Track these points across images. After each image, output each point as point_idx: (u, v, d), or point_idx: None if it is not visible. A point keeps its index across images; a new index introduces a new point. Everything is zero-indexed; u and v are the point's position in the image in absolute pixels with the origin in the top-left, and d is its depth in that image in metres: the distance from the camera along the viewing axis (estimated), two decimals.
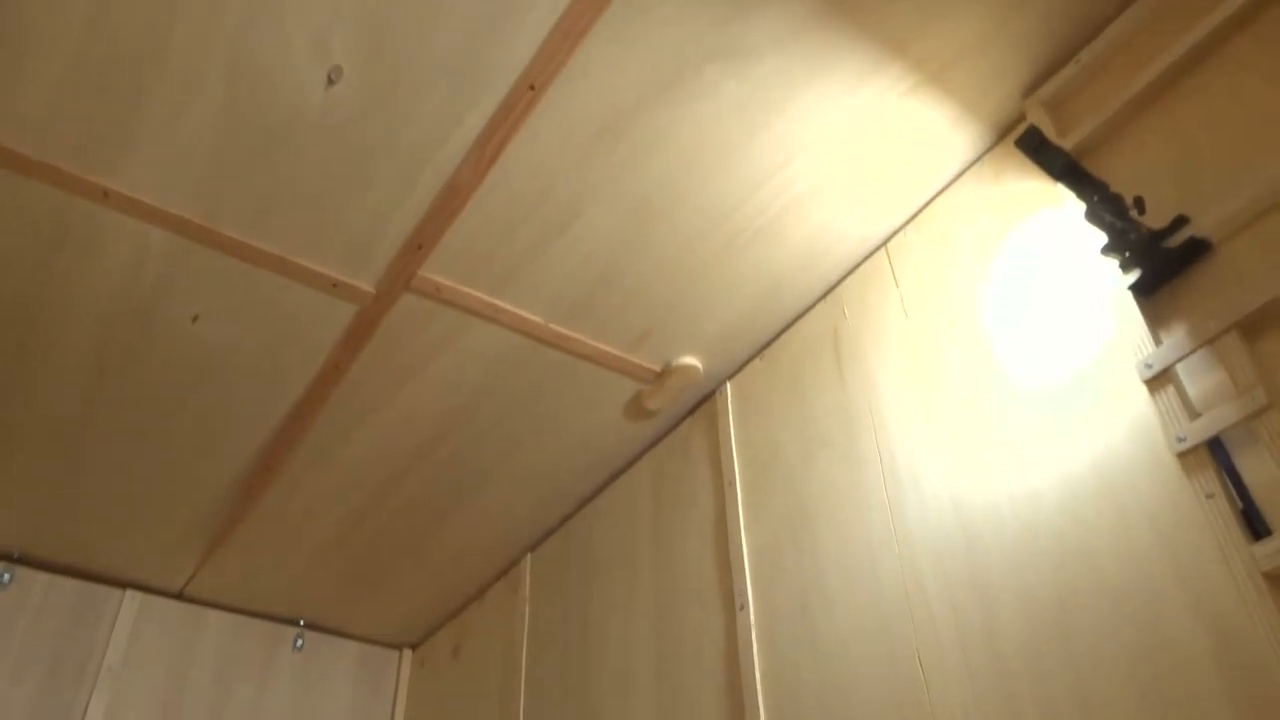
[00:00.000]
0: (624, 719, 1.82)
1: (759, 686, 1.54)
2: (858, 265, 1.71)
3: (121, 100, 1.42)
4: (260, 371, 1.87)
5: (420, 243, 1.63)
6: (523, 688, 2.16)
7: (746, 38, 1.37)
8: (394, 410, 1.96)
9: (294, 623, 2.62)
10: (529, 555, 2.37)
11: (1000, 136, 1.51)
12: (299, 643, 2.60)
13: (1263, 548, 1.01)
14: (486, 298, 1.74)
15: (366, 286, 1.72)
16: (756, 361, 1.88)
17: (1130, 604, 1.11)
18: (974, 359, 1.42)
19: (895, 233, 1.65)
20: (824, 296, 1.76)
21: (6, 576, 2.29)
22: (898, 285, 1.61)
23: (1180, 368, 1.15)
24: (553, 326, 1.80)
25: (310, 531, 2.31)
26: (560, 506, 2.25)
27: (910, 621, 1.35)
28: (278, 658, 2.56)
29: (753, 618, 1.61)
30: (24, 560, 2.33)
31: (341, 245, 1.64)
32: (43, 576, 2.33)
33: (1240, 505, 1.06)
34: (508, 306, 1.76)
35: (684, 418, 2.01)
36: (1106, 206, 1.21)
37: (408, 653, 2.75)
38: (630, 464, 2.11)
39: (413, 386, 1.91)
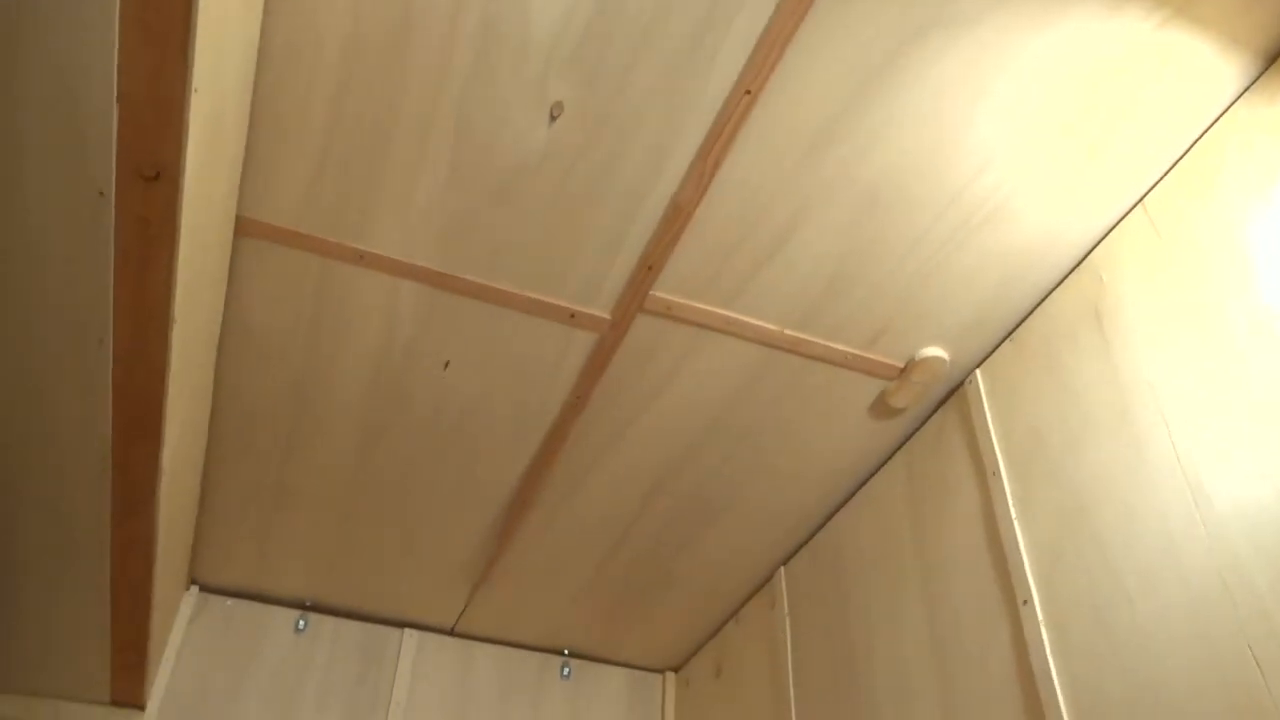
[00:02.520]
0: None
1: (1058, 690, 1.43)
2: (1112, 228, 1.58)
3: (365, 169, 1.51)
4: (509, 411, 1.94)
5: (650, 264, 1.65)
6: (792, 704, 2.12)
7: (959, 4, 1.30)
8: (638, 433, 1.99)
9: (560, 652, 2.69)
10: (782, 569, 2.33)
11: (1268, 64, 1.36)
12: (566, 671, 2.67)
13: None
14: (719, 310, 1.74)
15: (603, 314, 1.75)
16: (1006, 345, 1.77)
17: None
18: (1261, 316, 1.28)
19: (1153, 187, 1.52)
20: (1076, 267, 1.64)
21: (303, 623, 2.48)
22: (1161, 240, 1.48)
23: None
24: (788, 332, 1.77)
25: (567, 562, 2.37)
26: (810, 517, 2.20)
27: (1234, 615, 1.21)
28: (548, 686, 2.63)
29: (1040, 615, 1.51)
30: (315, 608, 2.51)
31: (575, 277, 1.68)
32: (331, 621, 2.51)
33: None
34: (740, 317, 1.74)
35: (933, 412, 1.92)
36: None
37: (670, 675, 2.76)
38: (880, 465, 2.04)
39: (654, 408, 1.93)
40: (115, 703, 2.19)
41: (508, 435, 2.00)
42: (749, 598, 2.46)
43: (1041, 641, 1.48)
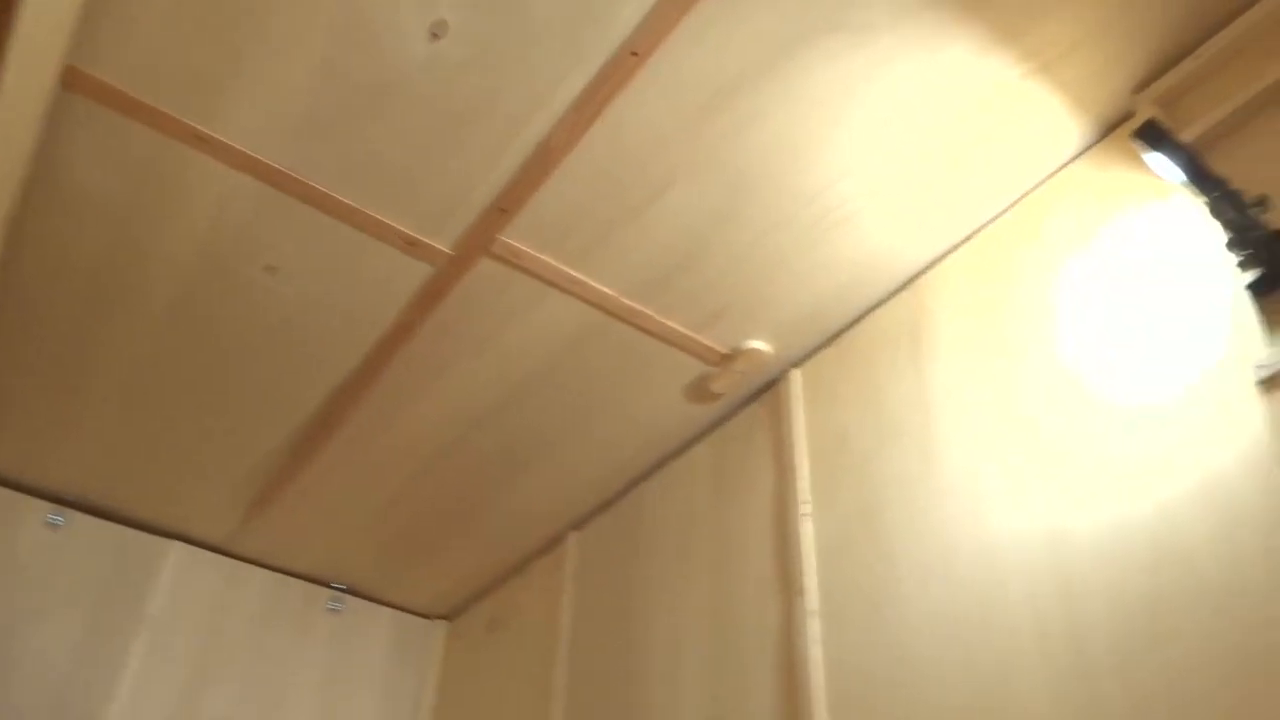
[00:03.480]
0: (673, 702, 1.81)
1: (822, 679, 1.52)
2: (945, 255, 1.68)
3: (225, 48, 1.41)
4: (329, 328, 1.86)
5: (504, 206, 1.62)
6: (563, 668, 2.15)
7: (865, 12, 1.34)
8: (460, 375, 1.95)
9: (333, 585, 2.61)
10: (575, 533, 2.35)
11: (1106, 131, 1.48)
12: (336, 605, 2.60)
13: None
14: (564, 268, 1.73)
15: (444, 248, 1.70)
16: (828, 349, 1.85)
17: (1231, 608, 1.08)
18: (1060, 365, 1.39)
19: (985, 225, 1.63)
20: (905, 286, 1.74)
21: (60, 520, 2.30)
22: (983, 277, 1.58)
23: None
24: (626, 301, 1.79)
25: (359, 493, 2.30)
26: (611, 485, 2.24)
27: (991, 626, 1.32)
28: (313, 619, 2.56)
29: (816, 609, 1.59)
30: (78, 505, 2.33)
31: (426, 204, 1.63)
32: (94, 522, 2.34)
33: None
34: (584, 278, 1.74)
35: (748, 402, 1.99)
36: (1228, 202, 1.18)
37: (443, 623, 2.74)
38: (688, 446, 2.10)
39: (481, 352, 1.90)
40: None
41: (324, 352, 1.92)
42: (537, 556, 2.47)
43: (812, 635, 1.57)
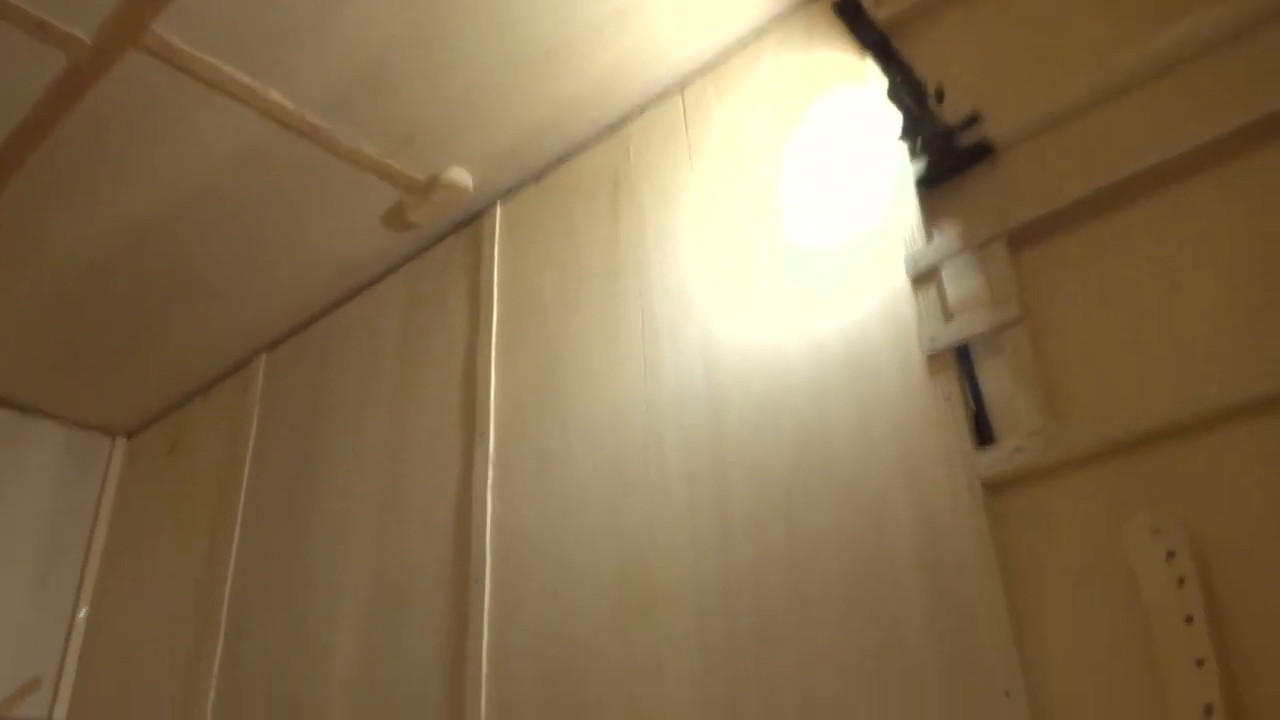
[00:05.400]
0: (341, 543, 1.76)
1: (488, 532, 1.51)
2: (649, 106, 1.61)
3: None
4: None
5: None
6: (242, 498, 2.04)
7: None
8: (110, 188, 1.71)
9: None
10: (264, 356, 2.20)
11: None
12: None
13: (986, 455, 1.06)
14: (232, 71, 1.51)
15: (81, 34, 1.44)
16: (531, 187, 1.76)
17: (857, 495, 1.14)
18: (750, 218, 1.38)
19: (692, 77, 1.56)
20: (610, 133, 1.65)
21: None
22: (687, 133, 1.53)
23: (945, 268, 1.16)
24: (308, 117, 1.60)
25: (12, 303, 2.03)
26: (301, 309, 2.09)
27: (646, 487, 1.34)
28: None
29: (491, 461, 1.57)
30: None
31: None
32: None
33: (973, 411, 1.09)
34: (256, 86, 1.54)
35: (446, 235, 1.88)
36: (908, 90, 1.17)
37: (121, 440, 2.54)
38: (383, 276, 1.97)
39: (135, 163, 1.66)
40: None
41: None
42: (223, 377, 2.30)
43: (486, 490, 1.55)
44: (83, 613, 2.33)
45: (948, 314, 1.14)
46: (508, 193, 1.79)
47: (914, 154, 1.20)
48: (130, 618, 2.21)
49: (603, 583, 1.34)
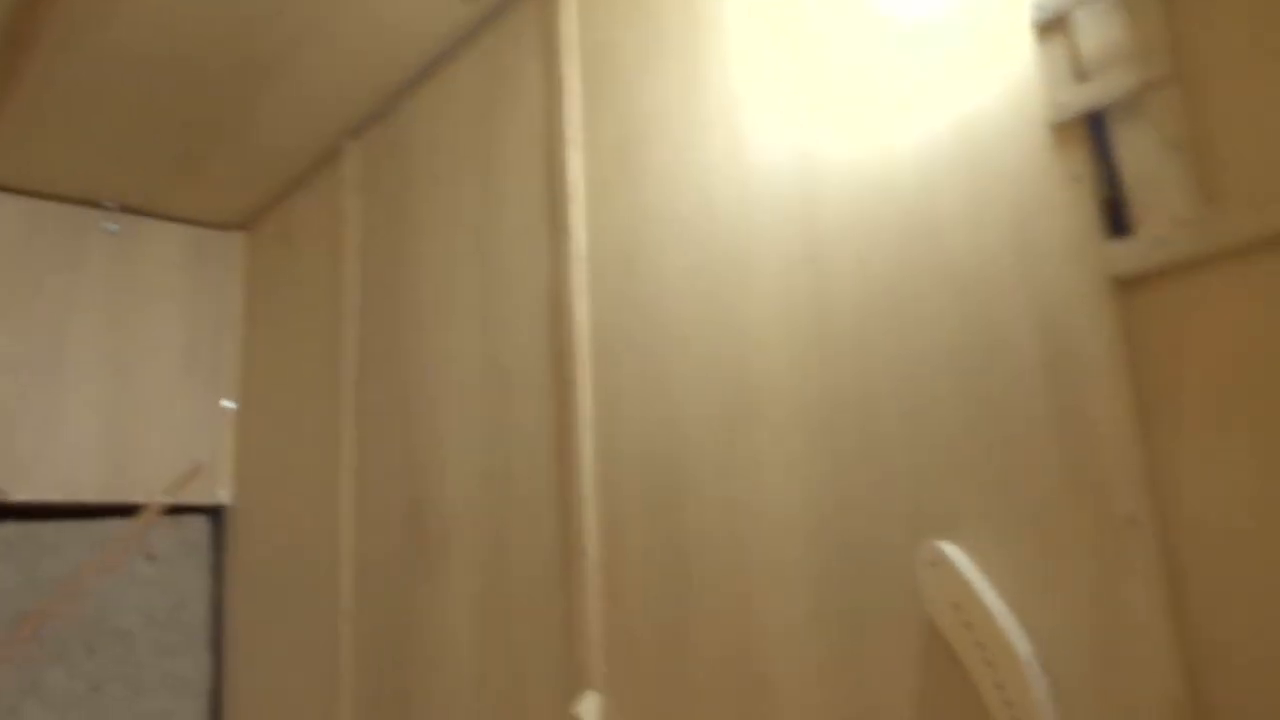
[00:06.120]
0: (449, 329, 1.74)
1: (587, 330, 1.45)
2: None
3: None
4: None
5: None
6: (353, 287, 2.04)
7: None
8: None
9: (104, 205, 2.38)
10: (352, 143, 2.13)
11: None
12: (112, 227, 2.39)
13: (1120, 247, 0.89)
14: None
15: None
16: None
17: (969, 296, 1.00)
18: None
19: None
20: None
21: None
22: None
23: (1079, 14, 0.94)
24: None
25: (100, 107, 2.00)
26: (379, 93, 1.98)
27: (739, 284, 1.23)
28: (89, 244, 2.36)
29: (583, 253, 1.48)
30: None
31: None
32: None
33: (1108, 195, 0.92)
34: None
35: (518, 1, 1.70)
36: None
37: (239, 235, 2.57)
38: (454, 51, 1.82)
39: None
40: None
41: None
42: (318, 166, 2.26)
43: (571, 276, 1.47)
44: (229, 403, 2.46)
45: (1080, 73, 0.93)
46: None
47: None
48: (274, 405, 2.31)
49: (700, 382, 1.27)
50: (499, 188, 1.67)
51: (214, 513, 2.42)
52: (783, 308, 1.17)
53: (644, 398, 1.35)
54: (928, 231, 1.04)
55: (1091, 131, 0.92)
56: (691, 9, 1.35)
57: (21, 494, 2.17)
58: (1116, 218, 0.90)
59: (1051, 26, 0.95)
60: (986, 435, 0.97)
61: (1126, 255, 0.89)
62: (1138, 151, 0.90)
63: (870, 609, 1.05)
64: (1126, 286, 0.89)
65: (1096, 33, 0.93)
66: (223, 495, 2.41)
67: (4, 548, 2.16)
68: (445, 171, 1.81)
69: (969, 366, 0.99)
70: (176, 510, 2.37)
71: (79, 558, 2.23)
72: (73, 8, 1.68)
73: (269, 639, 2.16)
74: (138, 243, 2.43)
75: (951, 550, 0.98)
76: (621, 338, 1.40)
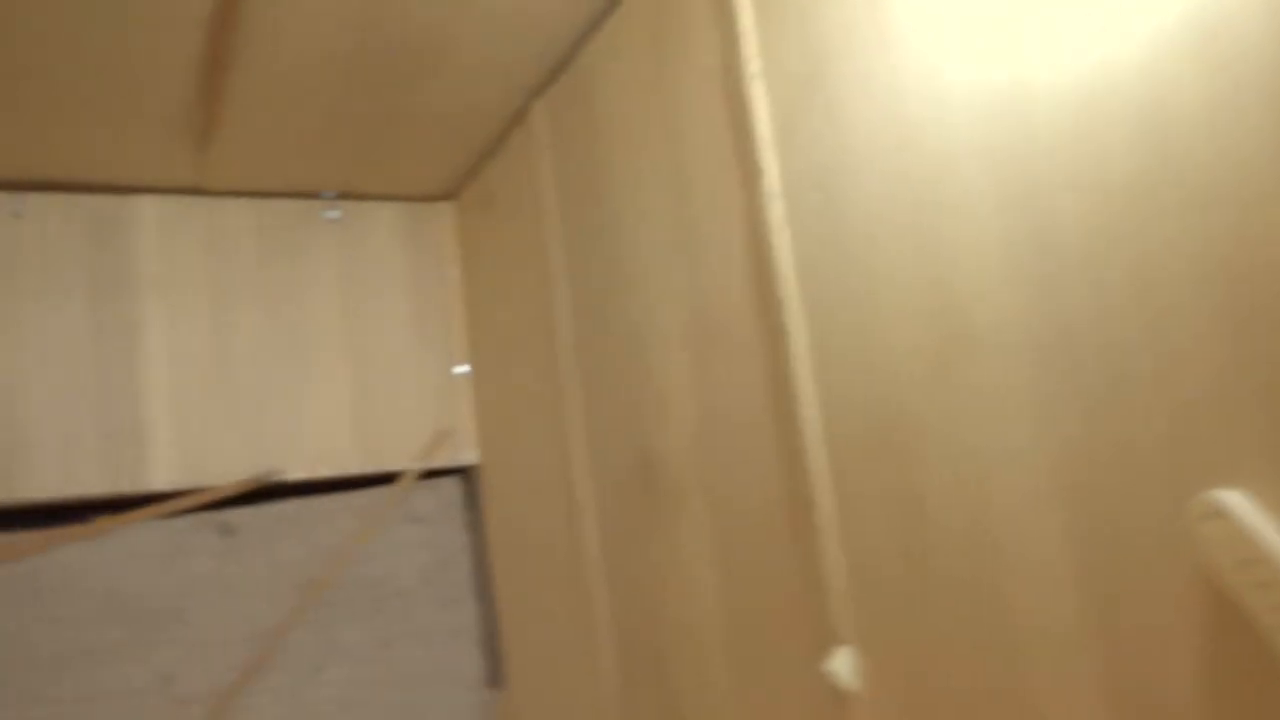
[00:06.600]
0: (653, 284, 1.71)
1: (792, 271, 1.37)
2: None
3: None
4: None
5: None
6: (557, 248, 2.05)
7: None
8: None
9: (322, 195, 2.50)
10: (537, 101, 2.11)
11: None
12: (333, 214, 2.51)
13: None
14: None
15: None
16: None
17: (1218, 210, 0.84)
18: None
19: None
20: None
21: (20, 208, 2.20)
22: None
23: None
24: None
25: (303, 103, 2.08)
26: (556, 44, 1.94)
27: (946, 209, 1.11)
28: (315, 232, 2.49)
29: (777, 190, 1.39)
30: (29, 187, 2.21)
31: None
32: (55, 199, 2.24)
33: None
34: None
35: None
36: None
37: (449, 204, 2.64)
38: None
39: None
40: None
41: None
42: (509, 129, 2.26)
43: (768, 215, 1.39)
44: (462, 368, 2.55)
45: None
46: None
47: None
48: (502, 366, 2.38)
49: (913, 317, 1.17)
50: (684, 130, 1.60)
51: (464, 473, 2.55)
52: (998, 235, 1.05)
53: (856, 338, 1.27)
54: (1162, 143, 0.88)
55: None
56: None
57: (294, 474, 2.36)
58: None
59: None
60: (1260, 366, 0.82)
61: None
62: None
63: (1131, 566, 0.94)
64: None
65: None
66: (469, 456, 2.52)
67: (286, 523, 2.37)
68: (630, 120, 1.76)
69: (1224, 290, 0.84)
70: (430, 474, 2.51)
71: (350, 527, 2.42)
72: (253, 28, 1.74)
73: (529, 588, 2.26)
74: (357, 225, 2.54)
75: (1233, 499, 0.85)
76: (827, 276, 1.31)
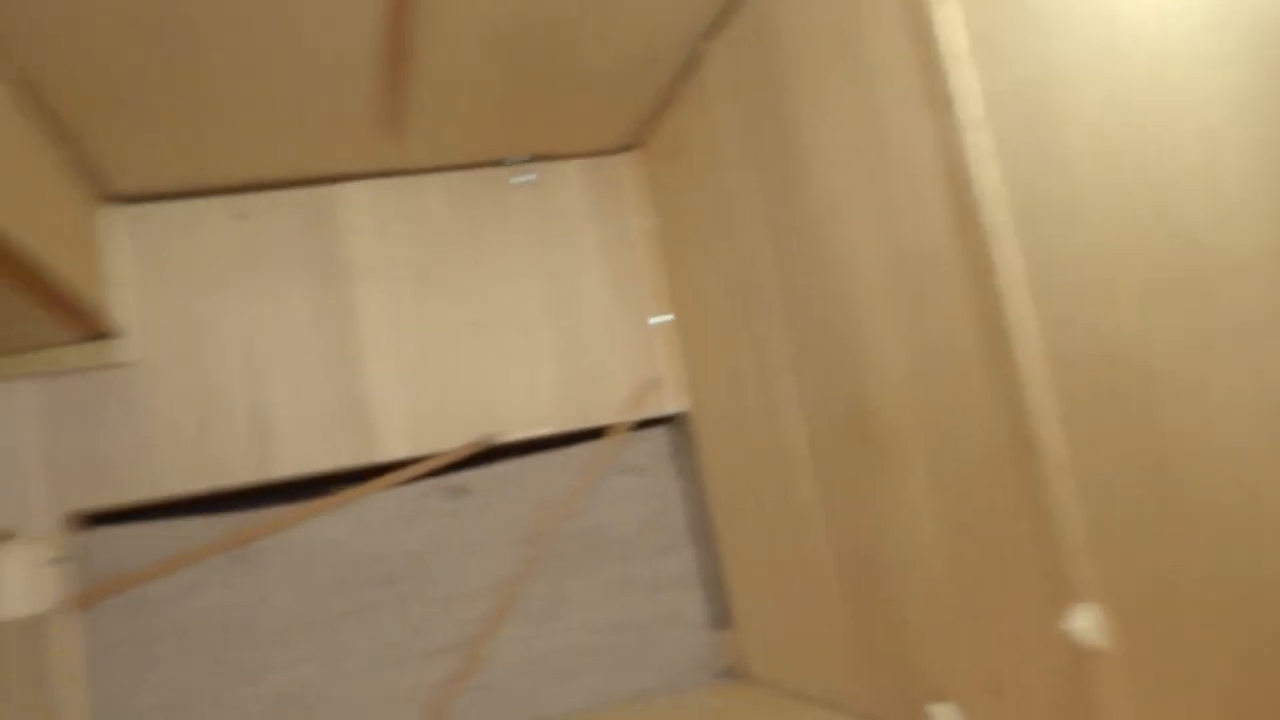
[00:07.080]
0: (849, 228, 1.63)
1: (1006, 208, 1.27)
2: None
3: None
4: None
5: None
6: (745, 193, 2.00)
7: None
8: None
9: (507, 161, 2.54)
10: (710, 44, 2.04)
11: None
12: (525, 178, 2.55)
13: None
14: None
15: None
16: None
17: None
18: None
19: None
20: None
21: (245, 210, 2.36)
22: None
23: None
24: None
25: (480, 77, 2.10)
26: None
27: (1169, 108, 0.99)
28: (510, 198, 2.54)
29: (974, 119, 1.29)
30: (250, 188, 2.37)
31: None
32: (270, 197, 2.39)
33: None
34: None
35: None
36: None
37: (632, 154, 2.63)
38: None
39: None
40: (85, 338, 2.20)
41: None
42: (685, 74, 2.20)
43: (964, 148, 1.28)
44: (661, 318, 2.56)
45: None
46: None
47: None
48: (701, 313, 2.37)
49: (1137, 239, 1.06)
50: (869, 61, 1.51)
51: (674, 421, 2.57)
52: (1234, 144, 0.92)
53: (1076, 266, 1.16)
54: None
55: None
56: None
57: (513, 435, 2.45)
58: None
59: None
60: None
61: None
62: None
63: None
64: None
65: None
66: (677, 405, 2.54)
67: (507, 483, 2.47)
68: (810, 55, 1.67)
69: None
70: (641, 425, 2.54)
71: (567, 482, 2.49)
72: (423, 19, 1.77)
73: (748, 534, 2.27)
74: (546, 186, 2.57)
75: None
76: (1041, 201, 1.20)
